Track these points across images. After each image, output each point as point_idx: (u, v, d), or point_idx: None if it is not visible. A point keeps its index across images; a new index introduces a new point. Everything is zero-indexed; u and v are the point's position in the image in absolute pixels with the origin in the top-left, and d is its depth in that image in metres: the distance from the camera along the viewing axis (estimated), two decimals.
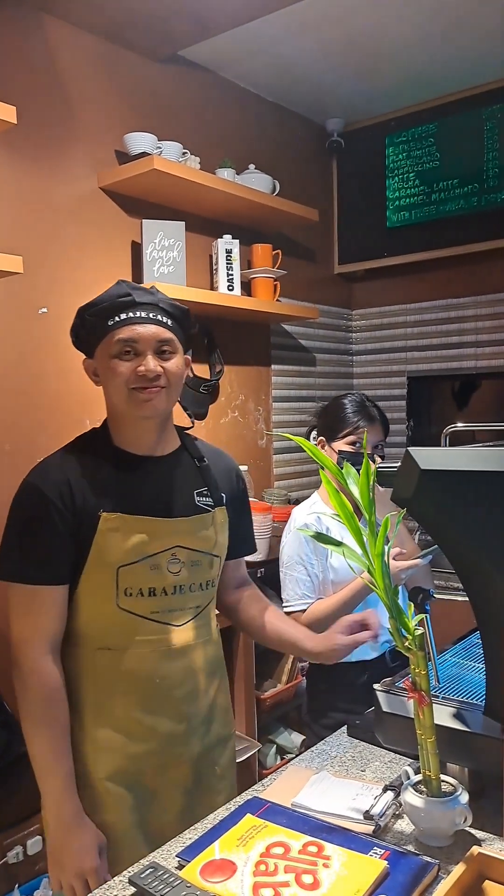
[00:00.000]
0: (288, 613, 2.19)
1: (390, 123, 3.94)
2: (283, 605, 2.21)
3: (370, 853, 1.16)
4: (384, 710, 1.43)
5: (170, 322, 1.57)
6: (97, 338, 1.56)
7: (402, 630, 1.22)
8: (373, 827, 1.24)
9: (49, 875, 1.52)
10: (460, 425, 3.08)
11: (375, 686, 1.48)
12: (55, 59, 2.71)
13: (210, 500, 1.66)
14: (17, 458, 2.50)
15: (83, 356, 1.63)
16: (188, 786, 1.60)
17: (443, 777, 1.24)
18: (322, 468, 1.29)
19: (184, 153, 3.01)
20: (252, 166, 3.38)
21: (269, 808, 1.30)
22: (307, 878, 1.10)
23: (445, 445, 3.00)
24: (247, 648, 2.92)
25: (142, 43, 2.93)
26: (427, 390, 4.08)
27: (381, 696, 1.45)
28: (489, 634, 1.28)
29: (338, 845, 1.18)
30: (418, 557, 2.14)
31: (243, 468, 3.37)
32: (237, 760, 1.89)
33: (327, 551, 2.22)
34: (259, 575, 2.86)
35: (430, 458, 1.19)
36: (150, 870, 1.15)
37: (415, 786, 1.25)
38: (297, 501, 2.95)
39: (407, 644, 1.21)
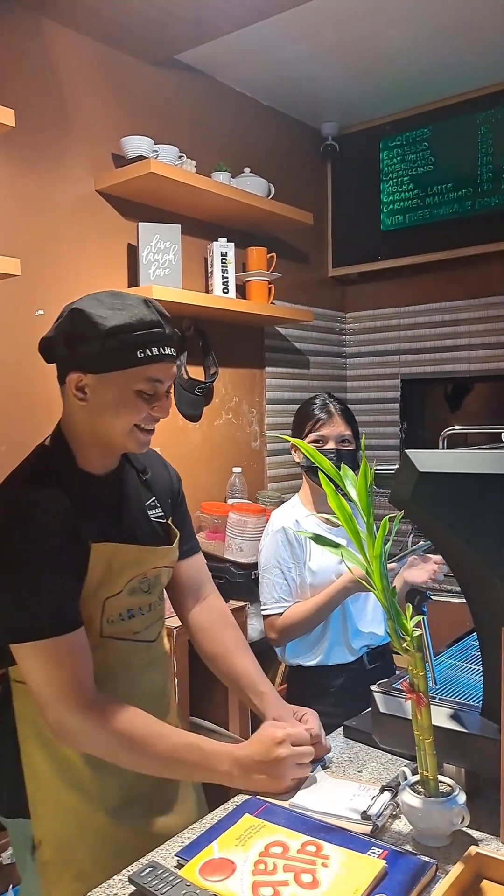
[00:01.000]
0: (265, 617, 2.21)
1: (385, 127, 3.96)
2: (261, 608, 2.23)
3: (368, 853, 1.17)
4: (381, 711, 1.44)
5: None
6: (119, 365, 1.38)
7: (400, 631, 1.23)
8: (370, 827, 1.25)
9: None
10: (458, 428, 3.09)
11: (372, 687, 1.48)
12: (53, 63, 2.72)
13: (160, 510, 1.60)
14: (13, 459, 2.49)
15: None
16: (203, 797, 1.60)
17: (440, 777, 1.25)
18: (321, 471, 1.30)
19: (180, 156, 3.02)
20: (247, 170, 3.39)
21: (268, 808, 1.31)
22: (306, 878, 1.11)
23: (443, 448, 3.01)
24: None
25: (139, 47, 2.95)
26: (420, 393, 4.09)
27: (378, 698, 1.46)
28: (486, 636, 1.30)
29: (336, 845, 1.19)
30: (398, 559, 2.16)
31: (237, 470, 3.41)
32: None
33: (305, 555, 2.23)
34: (253, 576, 2.86)
35: (428, 460, 1.20)
36: (150, 868, 1.16)
37: (412, 786, 1.26)
38: None
39: (405, 645, 1.22)
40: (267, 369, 3.76)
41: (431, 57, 3.32)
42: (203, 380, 3.33)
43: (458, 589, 1.34)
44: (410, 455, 1.20)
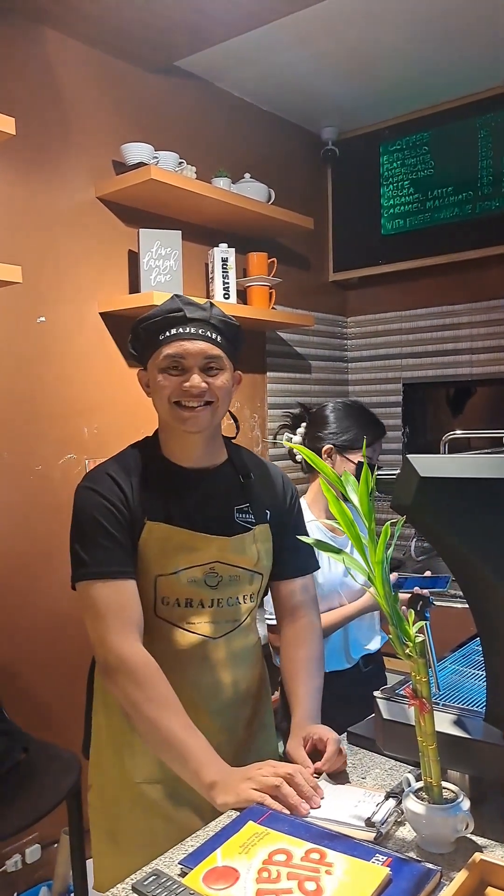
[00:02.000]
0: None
1: (384, 132, 3.96)
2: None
3: (372, 860, 1.16)
4: (385, 717, 1.44)
5: (219, 338, 1.58)
6: (149, 351, 1.59)
7: (402, 637, 1.22)
8: (374, 834, 1.25)
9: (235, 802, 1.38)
10: (459, 432, 3.09)
11: (376, 693, 1.48)
12: (53, 71, 2.73)
13: (251, 517, 1.67)
14: (15, 466, 2.50)
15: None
16: None
17: (444, 784, 1.25)
18: (321, 475, 1.30)
19: (180, 163, 3.02)
20: (247, 175, 3.40)
21: (271, 815, 1.30)
22: (310, 885, 1.10)
23: (445, 452, 3.01)
24: None
25: (138, 54, 2.95)
26: (422, 397, 4.09)
27: (381, 704, 1.45)
28: (489, 641, 1.29)
29: (340, 852, 1.18)
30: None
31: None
32: None
33: None
34: None
35: (430, 465, 1.20)
36: (154, 877, 1.15)
37: (416, 793, 1.25)
38: None
39: (407, 651, 1.22)
40: (268, 374, 3.76)
41: (431, 61, 3.33)
42: None
43: (462, 594, 1.34)
44: (412, 460, 1.20)
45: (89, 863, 1.89)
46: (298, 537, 1.45)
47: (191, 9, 2.63)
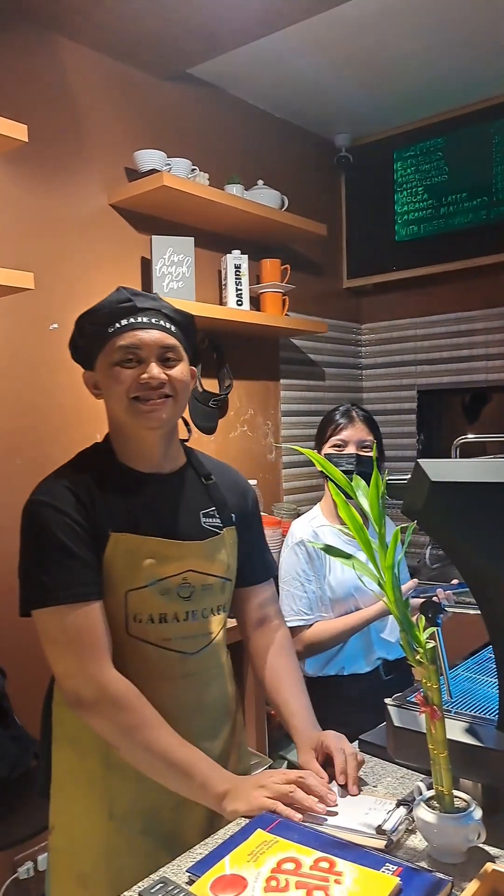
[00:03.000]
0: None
1: (398, 138, 3.96)
2: None
3: (382, 869, 1.15)
4: (396, 724, 1.42)
5: (174, 328, 1.50)
6: (98, 347, 1.48)
7: (413, 643, 1.21)
8: (385, 842, 1.23)
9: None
10: (471, 436, 3.07)
11: (387, 700, 1.47)
12: (66, 78, 2.74)
13: (218, 520, 1.57)
14: (28, 472, 2.50)
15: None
16: (205, 828, 1.46)
17: (456, 793, 1.23)
18: (330, 479, 1.29)
19: (193, 169, 3.03)
20: (260, 182, 3.40)
21: (280, 823, 1.29)
22: (319, 895, 1.09)
23: (456, 457, 2.99)
24: None
25: (151, 61, 2.96)
26: (437, 404, 4.07)
27: (392, 711, 1.44)
28: (502, 648, 1.27)
29: (350, 861, 1.17)
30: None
31: (252, 482, 3.39)
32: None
33: (325, 569, 2.22)
34: None
35: (441, 469, 1.18)
36: (161, 885, 1.14)
37: (427, 801, 1.23)
38: None
39: (418, 657, 1.20)
40: (282, 381, 3.76)
41: (444, 67, 3.32)
42: (218, 392, 3.33)
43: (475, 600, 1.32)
44: (423, 464, 1.18)
45: None
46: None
47: (203, 16, 2.64)
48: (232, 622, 1.67)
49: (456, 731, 1.33)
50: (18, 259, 2.52)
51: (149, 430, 1.48)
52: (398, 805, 1.33)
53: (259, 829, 1.26)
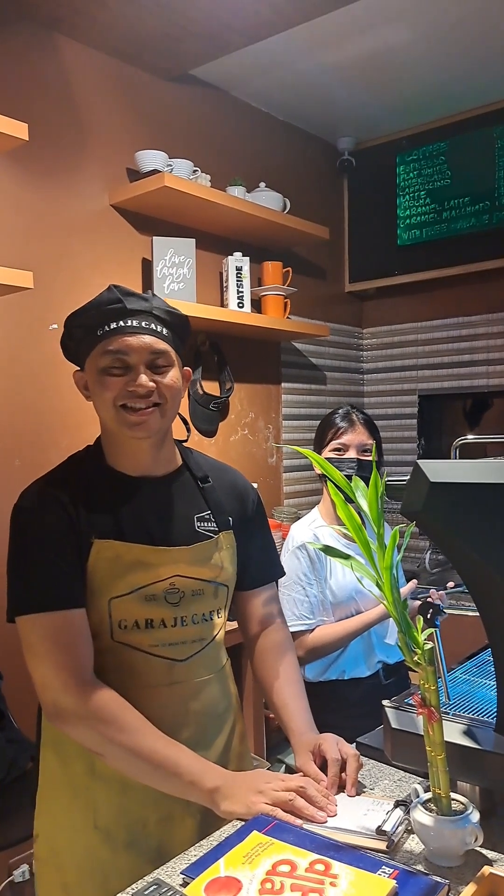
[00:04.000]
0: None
1: (401, 142, 3.96)
2: None
3: (378, 872, 1.13)
4: (393, 726, 1.41)
5: (165, 331, 1.44)
6: (86, 349, 1.44)
7: (411, 644, 1.20)
8: (386, 843, 1.22)
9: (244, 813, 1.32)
10: (470, 437, 3.07)
11: (384, 702, 1.45)
12: (68, 78, 2.74)
13: (213, 524, 1.53)
14: (27, 473, 2.48)
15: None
16: (193, 844, 1.43)
17: (453, 795, 1.22)
18: (330, 480, 1.28)
19: (194, 171, 3.03)
20: (263, 184, 3.40)
21: (276, 825, 1.27)
22: None
23: (455, 458, 2.98)
24: None
25: (154, 62, 2.96)
26: (438, 408, 4.07)
27: (389, 713, 1.43)
28: (500, 649, 1.26)
29: (345, 864, 1.15)
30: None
31: (253, 486, 3.38)
32: None
33: (326, 572, 2.21)
34: None
35: (440, 470, 1.17)
36: (154, 887, 1.13)
37: (424, 804, 1.22)
38: None
39: (416, 659, 1.19)
40: (283, 385, 3.75)
41: (448, 71, 3.32)
42: (218, 395, 3.32)
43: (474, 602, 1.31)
44: (422, 465, 1.17)
45: None
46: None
47: (206, 17, 2.64)
48: (231, 625, 1.65)
49: (454, 733, 1.32)
50: (18, 258, 2.52)
51: (137, 439, 1.45)
52: (396, 806, 1.31)
53: (255, 831, 1.25)
